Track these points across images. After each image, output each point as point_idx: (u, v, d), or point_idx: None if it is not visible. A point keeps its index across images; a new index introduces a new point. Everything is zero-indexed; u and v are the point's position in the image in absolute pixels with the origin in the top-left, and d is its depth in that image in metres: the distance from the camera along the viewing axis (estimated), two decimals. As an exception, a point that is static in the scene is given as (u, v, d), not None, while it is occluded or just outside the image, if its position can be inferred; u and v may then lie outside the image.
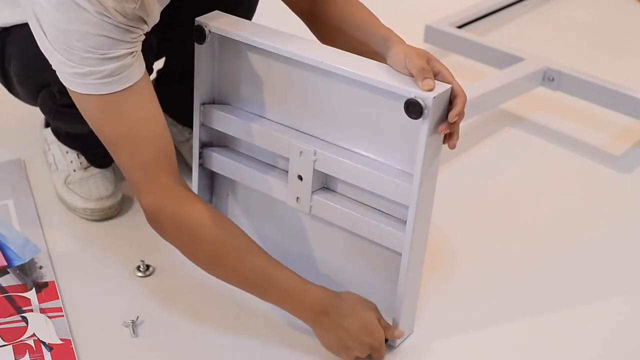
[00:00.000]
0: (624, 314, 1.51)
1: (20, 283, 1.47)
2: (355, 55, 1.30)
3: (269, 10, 1.64)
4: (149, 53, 1.37)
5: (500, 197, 1.82)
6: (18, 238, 1.55)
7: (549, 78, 2.08)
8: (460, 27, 2.37)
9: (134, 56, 1.24)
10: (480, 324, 1.46)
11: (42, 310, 1.41)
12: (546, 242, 1.68)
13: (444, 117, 1.22)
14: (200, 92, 1.43)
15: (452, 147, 1.26)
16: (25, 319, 1.39)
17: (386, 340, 1.35)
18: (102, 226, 1.64)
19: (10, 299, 1.43)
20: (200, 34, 1.37)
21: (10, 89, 1.62)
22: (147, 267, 1.52)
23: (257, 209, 1.53)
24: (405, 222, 1.29)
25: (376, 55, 1.32)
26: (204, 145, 1.49)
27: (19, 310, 1.41)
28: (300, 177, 1.37)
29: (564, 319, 1.49)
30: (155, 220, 1.32)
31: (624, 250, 1.67)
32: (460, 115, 1.22)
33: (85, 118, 1.29)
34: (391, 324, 1.36)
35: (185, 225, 1.30)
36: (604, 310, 1.51)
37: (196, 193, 1.53)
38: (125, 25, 1.21)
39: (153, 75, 1.67)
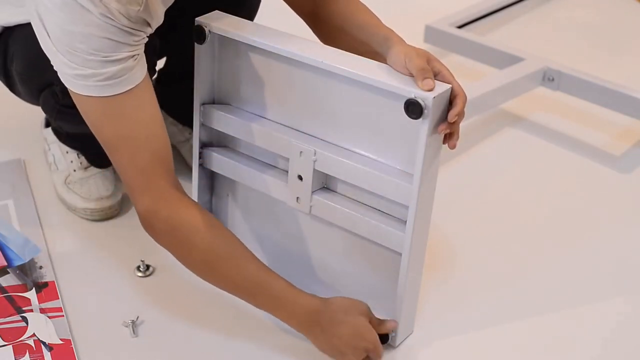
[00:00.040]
0: (624, 314, 1.51)
1: (20, 283, 1.47)
2: (356, 55, 1.30)
3: (270, 10, 1.64)
4: (152, 54, 1.38)
5: (500, 197, 1.82)
6: (18, 238, 1.55)
7: (549, 78, 2.08)
8: (460, 27, 2.37)
9: (136, 59, 1.24)
10: (480, 324, 1.46)
11: (42, 310, 1.41)
12: (546, 242, 1.68)
13: (444, 117, 1.22)
14: (200, 92, 1.43)
15: (452, 147, 1.26)
16: (25, 319, 1.39)
17: (386, 339, 1.35)
18: (102, 226, 1.64)
19: (10, 299, 1.43)
20: (200, 34, 1.37)
21: (12, 88, 1.63)
22: (147, 267, 1.52)
23: (257, 209, 1.53)
24: (405, 222, 1.29)
25: (377, 55, 1.32)
26: (204, 145, 1.49)
27: (19, 310, 1.41)
28: (300, 177, 1.37)
29: (564, 319, 1.49)
30: (149, 224, 1.32)
31: (624, 250, 1.67)
32: (460, 115, 1.22)
33: (85, 119, 1.29)
34: (391, 324, 1.36)
35: (179, 229, 1.30)
36: (604, 310, 1.51)
37: (196, 193, 1.53)
38: (129, 27, 1.21)
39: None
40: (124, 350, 1.36)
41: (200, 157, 1.50)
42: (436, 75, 1.23)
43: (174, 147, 1.77)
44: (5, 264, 1.49)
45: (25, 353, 1.33)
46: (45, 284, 1.47)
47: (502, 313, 1.49)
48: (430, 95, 1.19)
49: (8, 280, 1.47)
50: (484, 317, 1.47)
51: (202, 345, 1.38)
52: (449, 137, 1.25)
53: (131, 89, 1.24)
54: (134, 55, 1.23)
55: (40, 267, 1.50)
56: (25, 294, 1.44)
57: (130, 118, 1.27)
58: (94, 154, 1.65)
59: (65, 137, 1.68)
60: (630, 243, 1.70)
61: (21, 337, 1.36)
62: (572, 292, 1.55)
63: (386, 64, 1.28)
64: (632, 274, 1.61)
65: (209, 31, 1.36)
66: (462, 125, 1.28)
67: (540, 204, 1.81)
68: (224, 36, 1.36)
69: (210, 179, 1.55)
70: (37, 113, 1.70)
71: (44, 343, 1.35)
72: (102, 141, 1.30)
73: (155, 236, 1.33)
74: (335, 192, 1.39)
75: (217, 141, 1.50)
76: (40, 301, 1.43)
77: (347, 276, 1.43)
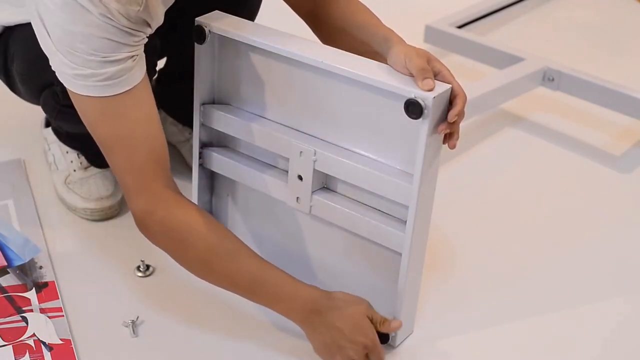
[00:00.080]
0: (624, 314, 1.51)
1: (20, 283, 1.47)
2: (356, 55, 1.30)
3: (270, 10, 1.64)
4: (153, 54, 1.38)
5: (500, 197, 1.82)
6: (18, 238, 1.55)
7: (549, 78, 2.08)
8: (460, 27, 2.37)
9: (135, 60, 1.24)
10: (480, 324, 1.46)
11: (42, 310, 1.41)
12: (546, 242, 1.68)
13: (444, 117, 1.22)
14: (200, 92, 1.43)
15: (452, 147, 1.26)
16: (25, 319, 1.39)
17: (387, 339, 1.35)
18: (102, 226, 1.64)
19: (10, 299, 1.43)
20: (200, 34, 1.37)
21: (13, 88, 1.63)
22: (147, 267, 1.52)
23: (256, 209, 1.53)
24: (405, 222, 1.29)
25: (377, 55, 1.32)
26: (204, 145, 1.49)
27: (19, 310, 1.41)
28: (300, 177, 1.37)
29: (564, 319, 1.49)
30: (145, 225, 1.31)
31: (624, 250, 1.67)
32: (460, 115, 1.22)
33: (83, 119, 1.29)
34: (391, 324, 1.36)
35: (174, 230, 1.30)
36: (604, 310, 1.52)
37: (196, 193, 1.53)
38: (129, 28, 1.21)
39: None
40: (124, 350, 1.36)
41: (200, 157, 1.50)
42: (436, 75, 1.23)
43: (174, 147, 1.78)
44: (5, 264, 1.49)
45: (25, 353, 1.33)
46: (45, 284, 1.47)
47: (502, 313, 1.49)
48: (430, 95, 1.19)
49: (8, 280, 1.47)
50: (484, 317, 1.47)
51: (202, 345, 1.38)
52: (449, 137, 1.25)
53: (130, 89, 1.24)
54: (133, 56, 1.23)
55: (40, 267, 1.50)
56: (25, 294, 1.44)
57: (127, 118, 1.27)
58: (94, 154, 1.65)
59: (65, 137, 1.68)
60: (630, 243, 1.70)
61: (21, 337, 1.36)
62: (572, 292, 1.55)
63: (386, 64, 1.28)
64: (632, 274, 1.61)
65: (209, 31, 1.36)
66: (462, 125, 1.28)
67: (540, 204, 1.81)
68: (224, 36, 1.36)
69: (210, 179, 1.55)
70: (37, 113, 1.70)
71: (44, 343, 1.35)
72: (99, 141, 1.30)
73: (151, 237, 1.33)
74: (335, 192, 1.39)
75: (217, 141, 1.50)
76: (40, 301, 1.43)
77: (347, 276, 1.43)
